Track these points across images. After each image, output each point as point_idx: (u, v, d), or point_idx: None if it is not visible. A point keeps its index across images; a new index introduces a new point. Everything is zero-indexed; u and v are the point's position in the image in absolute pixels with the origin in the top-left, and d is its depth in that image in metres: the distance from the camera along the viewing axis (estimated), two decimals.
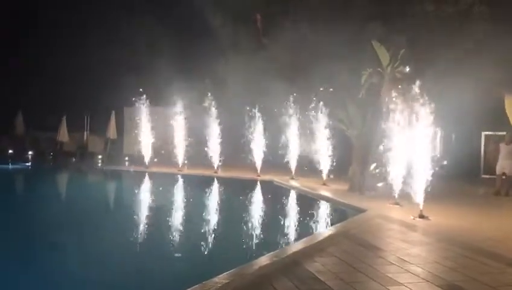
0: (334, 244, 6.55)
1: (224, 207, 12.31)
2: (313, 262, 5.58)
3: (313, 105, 14.80)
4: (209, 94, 18.42)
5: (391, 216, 9.15)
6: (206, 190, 14.85)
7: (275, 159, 16.94)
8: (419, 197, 9.21)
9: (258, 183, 15.64)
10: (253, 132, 17.30)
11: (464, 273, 5.30)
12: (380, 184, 12.14)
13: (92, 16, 24.05)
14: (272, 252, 5.77)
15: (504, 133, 14.48)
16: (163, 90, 19.96)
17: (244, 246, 7.74)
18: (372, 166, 12.80)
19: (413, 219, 8.90)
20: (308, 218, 10.66)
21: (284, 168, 16.33)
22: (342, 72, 13.13)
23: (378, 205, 10.28)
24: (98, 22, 23.81)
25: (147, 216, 10.98)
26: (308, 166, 15.29)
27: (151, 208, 12.11)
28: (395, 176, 10.60)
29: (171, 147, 19.09)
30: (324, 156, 14.58)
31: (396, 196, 10.54)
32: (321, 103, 14.55)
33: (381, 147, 11.23)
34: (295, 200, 13.01)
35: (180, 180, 16.87)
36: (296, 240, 7.39)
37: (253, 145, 17.27)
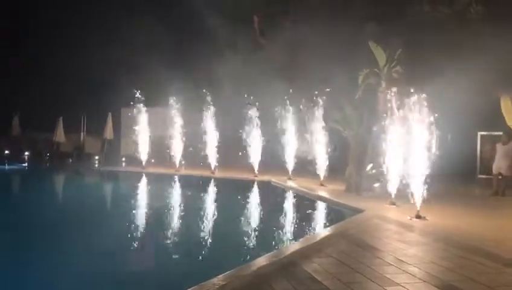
0: (332, 245, 6.56)
1: (222, 208, 12.31)
2: (310, 263, 5.60)
3: (310, 105, 14.80)
4: (207, 95, 18.39)
5: (388, 216, 9.17)
6: (204, 190, 14.86)
7: (272, 160, 16.94)
8: (416, 197, 9.23)
9: (256, 183, 15.65)
10: (251, 132, 17.29)
11: (461, 273, 5.32)
12: (376, 184, 12.17)
13: (90, 17, 24.02)
14: (269, 253, 5.78)
15: (500, 133, 14.55)
16: (161, 91, 19.96)
17: (242, 247, 7.75)
18: (369, 166, 12.83)
19: (410, 219, 8.92)
20: (305, 218, 10.67)
21: (281, 168, 16.34)
22: (339, 73, 13.16)
23: (375, 206, 10.30)
24: (95, 23, 23.77)
25: (144, 217, 10.98)
26: (307, 166, 15.28)
27: (148, 209, 12.11)
28: (392, 177, 10.63)
29: (168, 147, 19.07)
30: (321, 156, 14.60)
31: (393, 196, 10.58)
32: (318, 103, 14.56)
33: (378, 148, 11.25)
34: (292, 201, 13.03)
35: (178, 181, 16.85)
36: (294, 240, 7.41)
37: (250, 146, 17.26)
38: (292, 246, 6.35)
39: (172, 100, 19.15)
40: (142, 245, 8.15)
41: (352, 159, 13.05)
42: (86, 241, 7.75)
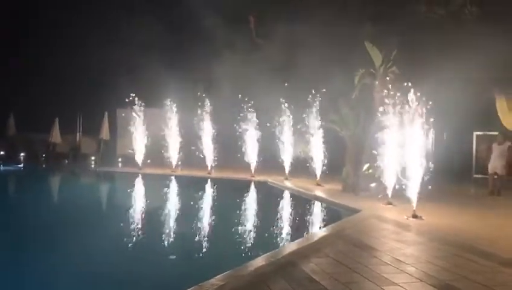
0: (329, 245, 6.58)
1: (219, 208, 12.31)
2: (308, 263, 5.61)
3: (307, 105, 14.82)
4: (203, 95, 18.39)
5: (385, 216, 9.21)
6: (200, 191, 14.83)
7: (268, 160, 16.96)
8: (412, 197, 9.27)
9: (252, 184, 15.65)
10: (247, 133, 17.30)
11: (458, 272, 5.36)
12: (373, 184, 12.21)
13: (87, 17, 23.96)
14: (267, 253, 5.79)
15: (495, 133, 14.65)
16: (157, 91, 19.93)
17: (240, 247, 7.75)
18: (365, 166, 12.87)
19: (407, 218, 8.97)
20: (302, 218, 10.71)
21: (278, 168, 16.36)
22: (335, 73, 13.20)
23: (372, 205, 10.35)
24: (92, 23, 23.72)
25: (141, 218, 10.94)
26: (304, 166, 15.29)
27: (144, 210, 12.06)
28: (388, 176, 10.67)
29: (164, 148, 19.03)
30: (318, 156, 14.63)
31: (389, 196, 10.63)
32: (315, 103, 14.59)
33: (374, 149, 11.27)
34: (289, 201, 13.05)
35: (174, 182, 16.83)
36: (291, 240, 7.41)
37: (247, 146, 17.28)
38: (290, 246, 6.36)
39: (169, 101, 19.11)
40: (138, 246, 8.13)
41: (349, 159, 13.09)
42: (82, 242, 7.72)
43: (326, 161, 14.57)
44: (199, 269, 6.26)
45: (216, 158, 18.01)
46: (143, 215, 11.21)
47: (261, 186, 15.09)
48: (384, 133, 10.74)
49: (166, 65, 18.82)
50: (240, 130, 17.37)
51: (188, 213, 11.14)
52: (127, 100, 19.87)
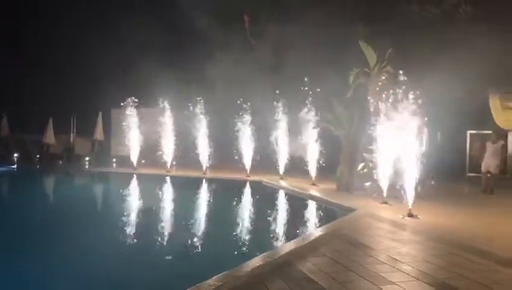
0: (326, 244, 6.59)
1: (214, 208, 12.29)
2: (305, 262, 5.61)
3: (301, 105, 14.84)
4: (198, 95, 18.34)
5: (380, 215, 9.23)
6: (195, 191, 14.80)
7: (263, 160, 16.96)
8: (408, 196, 9.31)
9: (247, 183, 15.64)
10: (242, 133, 17.29)
11: (454, 271, 5.38)
12: (367, 183, 12.24)
13: (81, 18, 23.86)
14: (264, 253, 5.78)
15: (488, 131, 14.74)
16: (151, 91, 19.87)
17: (235, 247, 7.74)
18: (360, 165, 12.90)
19: (402, 217, 8.99)
20: (297, 218, 10.70)
21: (272, 168, 16.36)
22: (330, 73, 13.22)
23: (367, 204, 10.37)
24: (86, 24, 23.62)
25: (136, 219, 10.90)
26: (298, 166, 15.31)
27: (139, 211, 12.01)
28: (383, 175, 10.71)
29: (159, 148, 18.98)
30: (312, 156, 14.65)
31: (384, 195, 10.66)
32: (309, 103, 14.60)
33: (369, 147, 11.31)
34: (285, 200, 13.05)
35: (169, 182, 16.78)
36: (287, 240, 7.41)
37: (242, 146, 17.27)
38: (286, 246, 6.35)
39: (163, 101, 19.05)
40: (133, 247, 8.09)
41: (344, 158, 13.12)
42: (76, 243, 7.69)
43: (321, 161, 14.59)
44: (195, 269, 6.25)
45: (211, 158, 17.97)
46: (138, 216, 11.17)
47: (256, 186, 15.08)
48: (378, 133, 10.78)
49: (161, 65, 18.75)
50: (235, 129, 17.33)
51: (184, 214, 11.11)
52: (121, 102, 19.82)
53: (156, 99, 19.37)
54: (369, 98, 12.27)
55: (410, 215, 9.05)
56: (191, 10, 18.11)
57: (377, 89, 11.72)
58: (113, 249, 7.54)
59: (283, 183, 14.88)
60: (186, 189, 15.17)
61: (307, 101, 14.62)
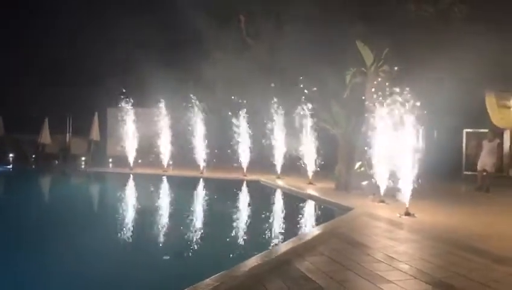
0: (323, 243, 6.60)
1: (212, 208, 12.26)
2: (303, 261, 5.62)
3: (298, 105, 14.84)
4: (195, 95, 18.32)
5: (378, 214, 9.24)
6: (192, 191, 14.79)
7: (261, 159, 16.95)
8: (405, 195, 9.32)
9: (245, 183, 15.63)
10: (239, 132, 17.28)
11: (451, 270, 5.39)
12: (365, 182, 12.26)
13: (76, 17, 23.75)
14: (262, 253, 5.78)
15: (485, 130, 14.78)
16: (148, 91, 19.83)
17: (233, 247, 7.74)
18: (357, 164, 12.92)
19: (399, 216, 9.01)
20: (295, 217, 10.70)
21: (270, 167, 16.35)
22: (327, 72, 13.22)
23: (364, 203, 10.40)
24: (82, 23, 23.53)
25: (132, 219, 10.87)
26: (296, 165, 15.30)
27: (135, 211, 11.98)
28: (381, 174, 10.72)
29: (155, 148, 18.93)
30: (310, 155, 14.66)
31: (382, 194, 10.68)
32: (306, 102, 14.61)
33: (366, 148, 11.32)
34: (282, 200, 13.05)
35: (166, 182, 16.75)
36: (285, 239, 7.41)
37: (239, 145, 17.25)
38: (284, 245, 6.35)
39: (159, 100, 19.01)
40: (131, 247, 8.08)
41: (341, 157, 13.14)
42: (73, 243, 7.65)
43: (318, 160, 14.59)
44: (192, 269, 6.23)
45: (208, 158, 17.94)
46: (135, 216, 11.16)
47: (253, 186, 15.08)
48: (375, 132, 10.80)
49: (157, 64, 18.70)
50: (232, 129, 17.32)
51: (181, 214, 11.08)
52: (118, 102, 19.75)
53: (152, 99, 19.32)
54: (365, 97, 12.28)
55: (407, 214, 9.07)
56: (188, 10, 18.08)
57: (373, 89, 11.74)
58: (109, 249, 7.51)
59: (280, 182, 14.88)
60: (183, 189, 15.15)
61: (304, 100, 14.62)
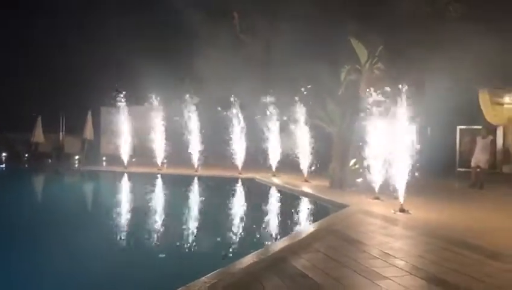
0: (319, 240, 6.61)
1: (207, 206, 12.26)
2: (299, 258, 5.63)
3: (293, 102, 14.85)
4: (189, 92, 18.26)
5: (372, 211, 9.28)
6: (188, 189, 14.77)
7: (256, 157, 16.94)
8: (399, 191, 9.37)
9: (240, 181, 15.63)
10: (234, 130, 17.26)
11: (446, 265, 5.43)
12: (359, 179, 12.31)
13: (68, 15, 23.62)
14: (258, 250, 5.79)
15: (478, 127, 14.88)
16: (141, 89, 19.75)
17: (229, 244, 7.75)
18: (352, 162, 12.96)
19: (394, 213, 9.06)
20: (291, 214, 10.73)
21: (265, 165, 16.36)
22: (321, 70, 13.22)
23: (359, 200, 10.43)
24: (74, 21, 23.40)
25: (127, 218, 10.82)
26: (291, 162, 15.32)
27: (130, 210, 11.92)
28: (375, 171, 10.77)
29: (150, 146, 18.86)
30: (305, 153, 14.69)
31: (376, 191, 10.73)
32: (301, 100, 14.63)
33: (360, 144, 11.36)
34: (278, 197, 13.06)
35: (160, 180, 16.70)
36: (281, 236, 7.42)
37: (234, 143, 17.23)
38: (280, 243, 6.36)
39: (153, 98, 18.94)
40: (125, 247, 8.06)
41: (336, 155, 13.16)
42: (66, 242, 7.62)
43: (313, 158, 14.62)
44: (189, 267, 6.22)
45: (203, 156, 17.90)
46: (129, 215, 11.11)
47: (248, 183, 15.07)
48: (369, 129, 10.84)
49: (151, 62, 18.62)
50: (227, 127, 17.30)
51: (176, 212, 11.07)
52: (111, 100, 19.67)
53: (146, 97, 19.25)
54: (360, 94, 12.31)
55: (402, 210, 9.12)
56: (180, 6, 18.01)
57: (368, 87, 11.77)
58: (103, 249, 7.46)
59: (276, 180, 14.89)
60: (178, 187, 15.12)
61: (298, 98, 14.64)
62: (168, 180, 16.29)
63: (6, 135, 23.85)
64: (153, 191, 15.06)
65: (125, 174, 17.81)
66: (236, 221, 10.15)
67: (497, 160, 16.82)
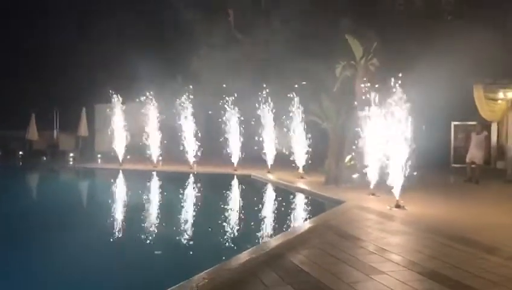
0: (316, 236, 6.63)
1: (203, 202, 12.25)
2: (296, 254, 5.64)
3: (288, 99, 14.85)
4: (184, 89, 18.20)
5: (368, 207, 9.31)
6: (183, 186, 14.74)
7: (251, 153, 16.93)
8: (395, 187, 9.39)
9: (235, 178, 15.62)
10: (229, 127, 17.23)
11: (443, 260, 5.46)
12: (355, 175, 12.34)
13: (63, 13, 23.48)
14: (256, 246, 5.81)
15: (473, 123, 14.94)
16: (136, 86, 19.68)
17: (226, 241, 7.75)
18: (347, 158, 12.98)
19: (390, 208, 9.08)
20: (287, 211, 10.74)
21: (260, 162, 16.36)
22: (317, 66, 13.25)
23: (355, 196, 10.45)
24: (68, 19, 23.27)
25: (122, 215, 10.81)
26: (286, 158, 15.33)
27: (127, 207, 11.91)
28: (371, 167, 10.79)
29: (145, 143, 18.79)
30: (300, 149, 14.70)
31: (372, 187, 10.76)
32: (296, 96, 14.63)
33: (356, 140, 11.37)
34: (274, 194, 13.07)
35: (156, 178, 16.65)
36: (278, 232, 7.43)
37: (229, 140, 17.20)
38: (277, 239, 6.37)
39: (148, 95, 18.85)
40: (122, 243, 8.04)
41: (331, 151, 13.18)
42: (63, 241, 7.57)
43: (309, 154, 14.64)
44: (187, 263, 6.22)
45: (198, 152, 17.86)
46: (124, 212, 11.09)
47: (244, 180, 15.07)
48: (365, 125, 10.85)
49: (145, 59, 18.57)
50: (222, 123, 17.27)
51: (173, 208, 11.05)
52: (105, 97, 19.56)
53: (140, 94, 19.17)
54: (355, 90, 12.32)
55: (398, 206, 9.15)
56: (175, 3, 17.96)
57: (363, 81, 11.78)
58: (99, 246, 7.45)
59: (271, 177, 14.89)
60: (174, 184, 15.10)
61: (294, 94, 14.64)
62: (164, 178, 16.26)
63: (0, 133, 23.71)
64: (150, 188, 15.03)
65: (121, 172, 17.74)
66: (234, 217, 10.18)
67: (492, 156, 16.92)
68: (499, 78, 15.00)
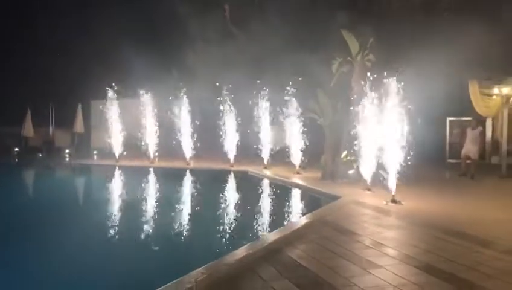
0: (313, 231, 6.68)
1: (199, 198, 12.28)
2: (294, 249, 5.69)
3: (284, 94, 14.86)
4: (180, 84, 18.17)
5: (364, 202, 9.37)
6: (180, 182, 14.76)
7: (247, 149, 16.94)
8: (391, 182, 9.45)
9: (232, 173, 15.64)
10: (225, 123, 17.22)
11: (439, 254, 5.52)
12: (351, 171, 12.38)
13: (58, 7, 23.34)
14: (254, 241, 5.84)
15: (468, 118, 15.02)
16: (132, 82, 19.63)
17: (223, 236, 7.79)
18: (344, 154, 13.02)
19: (386, 203, 9.15)
20: (284, 206, 10.79)
21: (256, 158, 16.38)
22: (313, 62, 13.25)
23: (351, 192, 10.50)
24: (63, 13, 23.14)
25: (119, 211, 10.81)
26: (283, 154, 15.36)
27: (121, 204, 11.90)
28: (366, 162, 10.84)
29: (141, 139, 18.77)
30: (296, 145, 14.73)
31: (368, 182, 10.81)
32: (292, 92, 14.65)
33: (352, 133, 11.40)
34: (270, 190, 13.10)
35: (152, 173, 16.65)
36: (275, 228, 7.47)
37: (225, 136, 17.20)
38: (275, 234, 6.41)
39: (144, 91, 18.81)
40: (120, 239, 8.06)
41: (328, 146, 13.22)
42: (59, 237, 7.58)
43: (305, 150, 14.66)
44: (184, 259, 6.24)
45: (194, 148, 17.86)
46: (121, 208, 11.10)
47: (241, 176, 15.09)
48: (361, 121, 10.90)
49: (141, 54, 18.50)
50: (218, 119, 17.26)
51: (169, 204, 11.07)
52: (101, 93, 19.50)
53: (136, 89, 19.13)
54: (351, 86, 12.35)
55: (394, 201, 9.21)
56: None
57: (360, 77, 11.82)
58: (96, 243, 7.47)
59: (268, 172, 14.92)
60: (170, 180, 15.11)
61: (290, 90, 14.66)
62: (161, 174, 16.26)
63: None
64: (147, 184, 15.03)
65: (117, 168, 17.73)
66: (231, 213, 10.20)
67: (486, 151, 17.02)
68: (494, 74, 15.06)
